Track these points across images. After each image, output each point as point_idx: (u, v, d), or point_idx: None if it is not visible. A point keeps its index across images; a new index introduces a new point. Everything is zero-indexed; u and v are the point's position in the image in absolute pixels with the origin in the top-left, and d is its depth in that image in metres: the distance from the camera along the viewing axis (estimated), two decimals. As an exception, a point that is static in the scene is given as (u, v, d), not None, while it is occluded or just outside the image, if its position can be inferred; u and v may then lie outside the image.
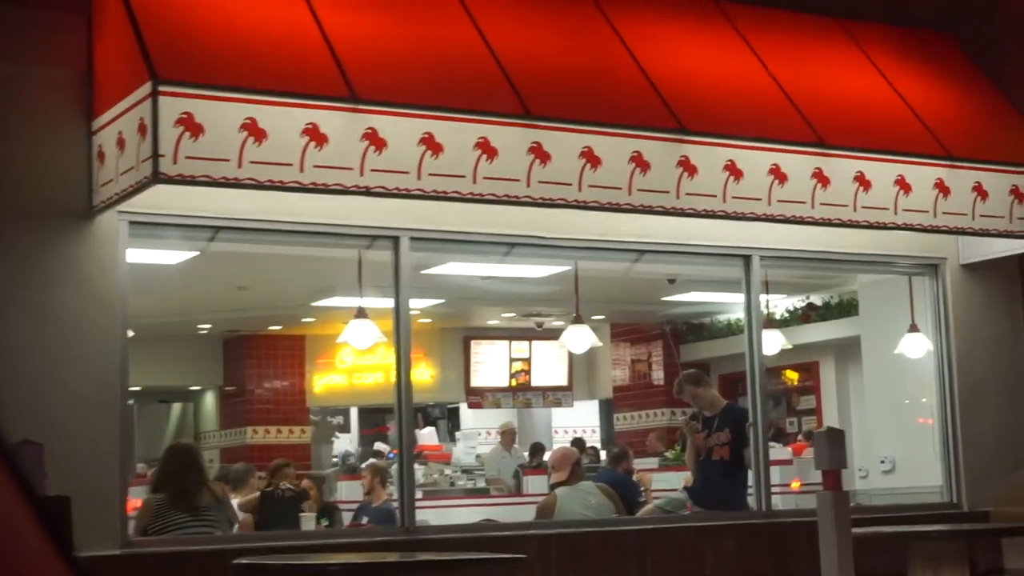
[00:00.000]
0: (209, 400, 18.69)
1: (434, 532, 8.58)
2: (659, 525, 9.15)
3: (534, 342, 17.53)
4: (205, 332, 16.98)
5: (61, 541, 1.00)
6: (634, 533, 8.84)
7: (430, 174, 7.33)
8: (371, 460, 13.65)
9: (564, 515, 9.41)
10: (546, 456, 13.08)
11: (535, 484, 13.46)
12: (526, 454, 16.33)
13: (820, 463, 6.73)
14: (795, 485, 12.53)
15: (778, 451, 13.30)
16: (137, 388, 18.13)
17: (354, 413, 19.62)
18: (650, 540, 8.77)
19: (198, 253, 9.89)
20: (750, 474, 9.47)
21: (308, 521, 9.75)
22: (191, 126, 6.68)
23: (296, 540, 8.32)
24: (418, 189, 7.33)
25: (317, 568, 6.32)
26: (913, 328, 10.59)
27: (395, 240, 8.30)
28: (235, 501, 10.04)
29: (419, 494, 13.86)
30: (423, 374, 17.67)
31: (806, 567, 8.11)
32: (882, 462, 11.12)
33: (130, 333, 7.88)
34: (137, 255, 8.65)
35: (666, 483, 12.66)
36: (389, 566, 6.57)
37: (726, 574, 8.96)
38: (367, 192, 7.22)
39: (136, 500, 8.47)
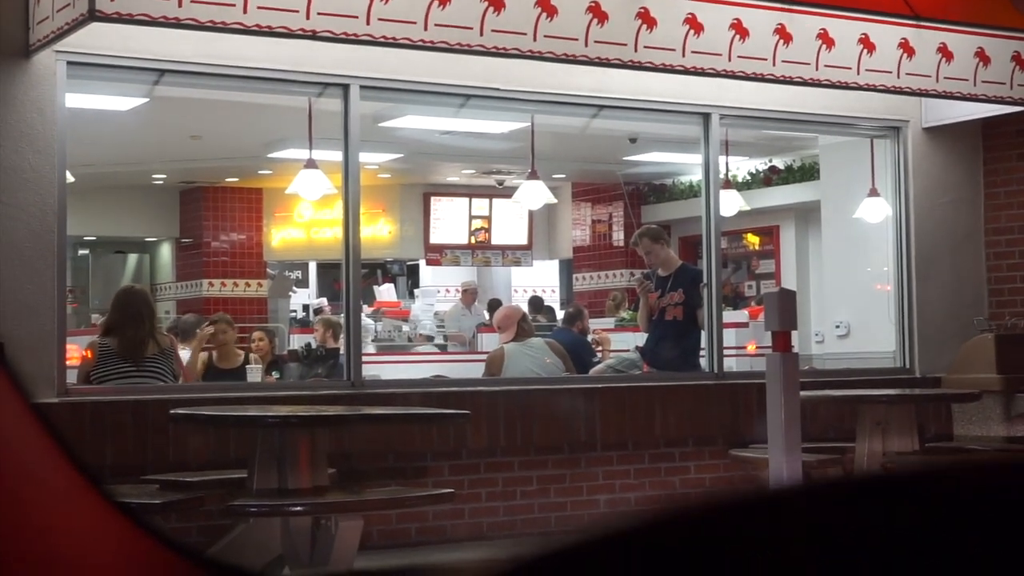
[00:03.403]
0: (165, 252, 18.49)
1: (381, 386, 8.48)
2: (608, 384, 9.07)
3: (494, 200, 17.37)
4: (160, 183, 16.71)
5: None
6: (583, 391, 8.77)
7: (379, 19, 7.10)
8: (323, 314, 13.59)
9: (513, 371, 9.34)
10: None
11: (490, 341, 13.36)
12: (486, 313, 16.25)
13: (770, 324, 6.62)
14: (751, 348, 12.49)
15: (735, 314, 13.24)
16: (92, 238, 18.02)
17: (312, 268, 19.48)
18: (599, 399, 8.70)
19: (147, 99, 9.66)
20: (703, 335, 9.38)
21: (255, 373, 9.63)
22: (129, -38, 6.42)
23: (240, 392, 8.21)
24: (367, 35, 7.10)
25: (254, 419, 6.20)
26: (873, 192, 10.46)
27: (345, 88, 8.10)
28: (183, 352, 9.89)
29: (373, 349, 13.90)
30: (382, 230, 17.52)
31: (755, 429, 8.07)
32: (837, 327, 11.06)
33: (70, 178, 7.68)
34: (83, 100, 8.44)
35: (623, 344, 12.59)
36: (328, 419, 6.45)
37: (675, 434, 8.91)
38: (313, 36, 6.99)
39: (88, 351, 8.32)
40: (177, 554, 0.94)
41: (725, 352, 9.47)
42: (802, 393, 6.61)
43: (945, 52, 8.98)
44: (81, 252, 18.56)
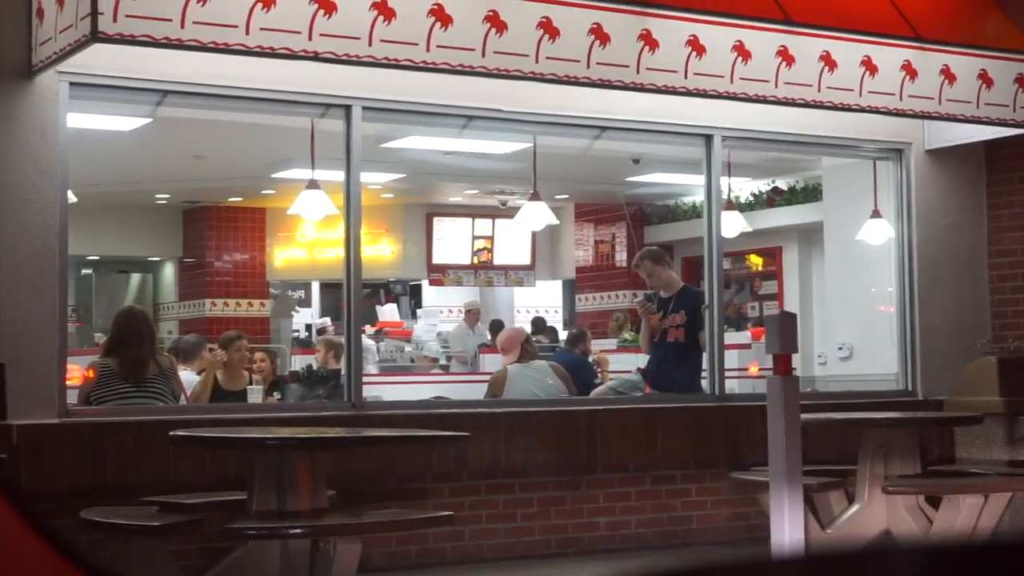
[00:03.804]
0: (168, 271, 18.50)
1: (382, 408, 8.47)
2: (610, 406, 9.06)
3: (497, 220, 17.37)
4: (164, 202, 16.73)
5: None
6: (585, 413, 8.75)
7: (382, 40, 7.10)
8: (325, 334, 13.57)
9: (514, 392, 9.33)
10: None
11: (492, 362, 13.35)
12: (487, 333, 16.24)
13: (771, 347, 6.60)
14: (753, 369, 12.47)
15: (737, 335, 13.23)
16: (95, 257, 18.03)
17: (315, 287, 19.47)
18: (600, 420, 8.68)
19: (150, 120, 9.67)
20: (704, 357, 9.37)
21: (256, 394, 9.61)
22: (131, -17, 6.43)
23: (240, 413, 8.19)
24: (369, 56, 7.10)
25: (253, 441, 6.18)
26: (876, 214, 10.45)
27: (347, 109, 8.11)
28: (183, 373, 9.88)
29: (375, 369, 13.88)
30: (385, 250, 17.53)
31: (757, 451, 8.04)
32: (840, 349, 11.04)
33: (72, 199, 7.69)
34: (86, 120, 8.45)
35: (626, 365, 12.57)
36: (328, 441, 6.43)
37: (676, 456, 8.89)
38: (316, 58, 6.99)
39: (90, 371, 8.32)
40: None
41: (727, 374, 9.46)
42: (803, 416, 6.59)
43: (948, 74, 8.98)
44: (84, 271, 18.57)
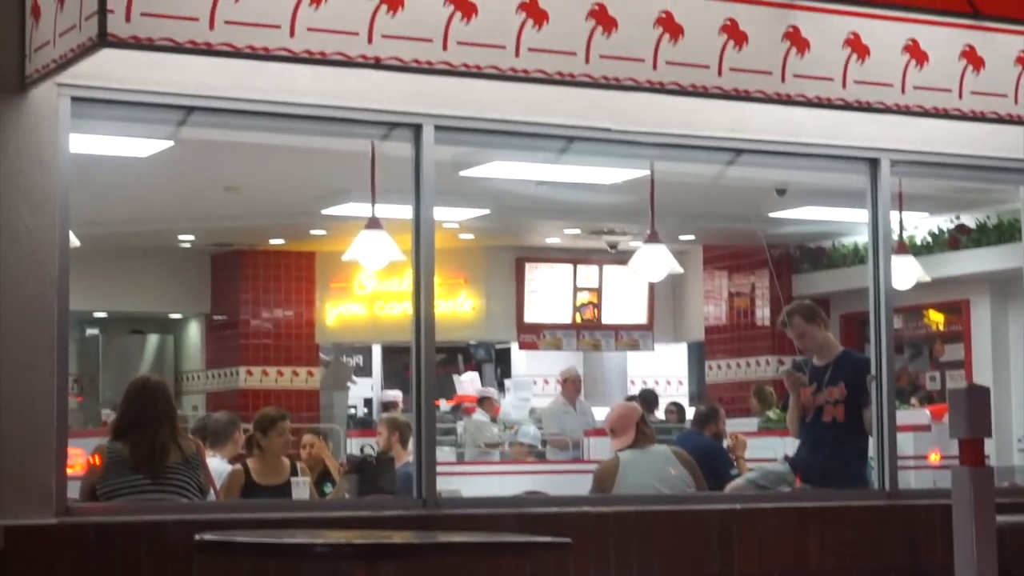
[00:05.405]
0: (193, 332, 18.70)
1: (460, 506, 8.48)
2: (751, 505, 9.00)
3: (605, 267, 17.40)
4: (188, 246, 16.93)
5: None
6: (718, 514, 8.70)
7: (459, 43, 7.15)
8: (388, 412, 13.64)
9: (628, 487, 9.31)
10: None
11: (600, 447, 13.33)
12: (595, 410, 16.19)
13: (957, 430, 6.54)
14: (934, 457, 12.38)
15: (913, 414, 13.13)
16: (103, 315, 18.26)
17: (377, 352, 19.58)
18: (739, 524, 8.63)
19: (172, 143, 9.79)
20: (871, 441, 9.29)
21: (302, 488, 9.65)
22: (149, -26, 6.53)
23: (284, 512, 8.22)
24: (443, 62, 7.15)
25: (299, 548, 6.19)
26: (1090, 257, 10.38)
27: (416, 129, 8.14)
28: (212, 460, 9.95)
29: (451, 457, 13.93)
30: (464, 305, 17.60)
31: (940, 562, 7.96)
32: (1047, 431, 10.96)
33: (75, 242, 7.77)
34: (92, 144, 8.56)
35: (769, 451, 12.52)
36: (391, 548, 6.42)
37: (837, 568, 8.81)
38: (377, 65, 7.04)
39: (95, 457, 8.39)
40: None
41: (900, 463, 9.36)
42: (999, 518, 6.51)
43: None
44: (90, 332, 18.82)
